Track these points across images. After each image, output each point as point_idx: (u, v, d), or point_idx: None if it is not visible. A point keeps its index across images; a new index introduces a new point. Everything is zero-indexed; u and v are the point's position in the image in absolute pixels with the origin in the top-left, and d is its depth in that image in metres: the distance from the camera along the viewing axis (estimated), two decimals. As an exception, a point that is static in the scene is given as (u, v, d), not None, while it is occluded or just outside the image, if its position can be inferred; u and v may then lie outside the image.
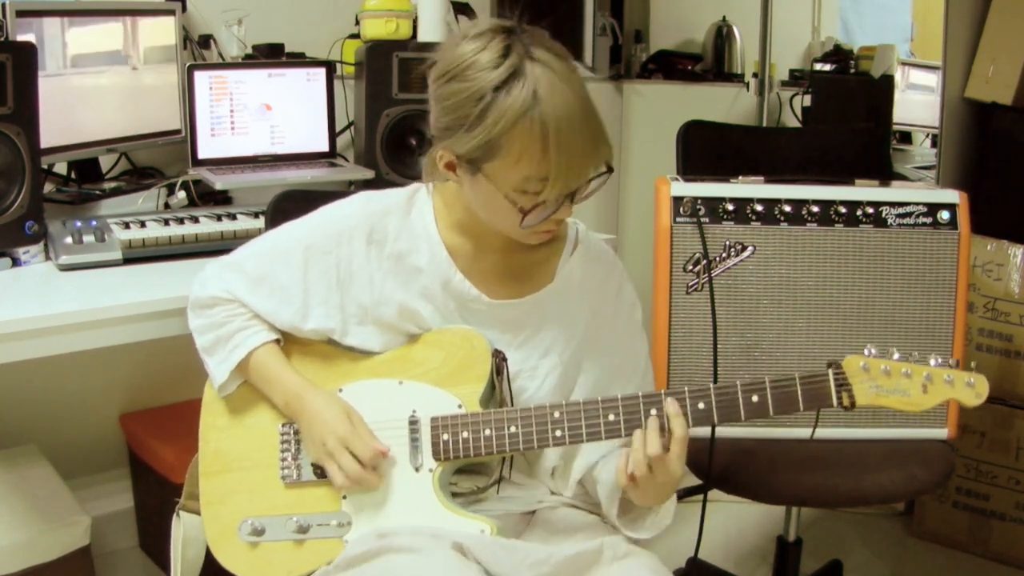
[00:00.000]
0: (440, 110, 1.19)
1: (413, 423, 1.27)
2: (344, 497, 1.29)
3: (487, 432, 1.24)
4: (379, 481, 1.26)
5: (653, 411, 1.20)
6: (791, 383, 1.19)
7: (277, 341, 1.35)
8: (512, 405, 1.29)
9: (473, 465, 1.31)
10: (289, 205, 1.59)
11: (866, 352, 1.18)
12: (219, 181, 2.06)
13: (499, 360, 1.28)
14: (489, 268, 1.31)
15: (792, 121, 3.25)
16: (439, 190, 1.33)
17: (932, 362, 1.17)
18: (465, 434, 1.25)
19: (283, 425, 1.34)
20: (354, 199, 1.36)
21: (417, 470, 1.27)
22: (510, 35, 1.15)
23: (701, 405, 1.20)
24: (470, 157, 1.17)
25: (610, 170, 1.20)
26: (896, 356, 1.18)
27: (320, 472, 1.31)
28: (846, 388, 1.18)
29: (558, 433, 1.22)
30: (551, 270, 1.33)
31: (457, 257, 1.30)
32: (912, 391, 1.17)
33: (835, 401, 1.18)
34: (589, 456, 1.32)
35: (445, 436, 1.26)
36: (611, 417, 1.21)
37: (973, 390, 1.17)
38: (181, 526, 1.39)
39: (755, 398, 1.19)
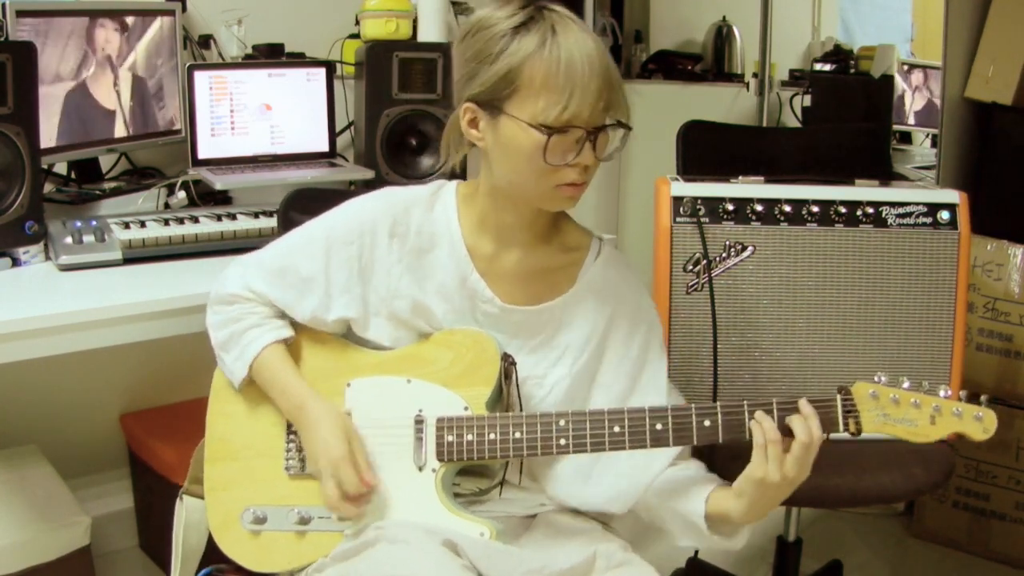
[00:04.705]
0: (462, 63, 1.22)
1: (419, 422, 1.27)
2: (346, 493, 1.30)
3: (491, 436, 1.24)
4: (357, 513, 1.25)
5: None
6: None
7: (286, 341, 1.34)
8: (520, 410, 1.28)
9: (476, 467, 1.31)
10: (300, 204, 1.60)
11: (876, 379, 1.18)
12: (219, 181, 2.06)
13: (508, 364, 1.28)
14: (508, 270, 1.30)
15: (792, 121, 3.26)
16: (462, 187, 1.33)
17: (942, 393, 1.17)
18: (470, 436, 1.25)
19: None
20: (376, 194, 1.35)
21: (420, 469, 1.26)
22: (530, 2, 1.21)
23: (707, 423, 1.20)
24: (492, 95, 1.18)
25: (628, 127, 1.22)
26: (906, 385, 1.17)
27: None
28: (853, 415, 1.18)
29: (562, 441, 1.22)
30: (571, 278, 1.32)
31: (476, 257, 1.29)
32: (920, 421, 1.17)
33: (841, 427, 1.18)
34: (644, 473, 1.28)
35: (450, 437, 1.25)
36: (616, 429, 1.20)
37: (981, 424, 1.16)
38: (184, 510, 1.39)
39: None
